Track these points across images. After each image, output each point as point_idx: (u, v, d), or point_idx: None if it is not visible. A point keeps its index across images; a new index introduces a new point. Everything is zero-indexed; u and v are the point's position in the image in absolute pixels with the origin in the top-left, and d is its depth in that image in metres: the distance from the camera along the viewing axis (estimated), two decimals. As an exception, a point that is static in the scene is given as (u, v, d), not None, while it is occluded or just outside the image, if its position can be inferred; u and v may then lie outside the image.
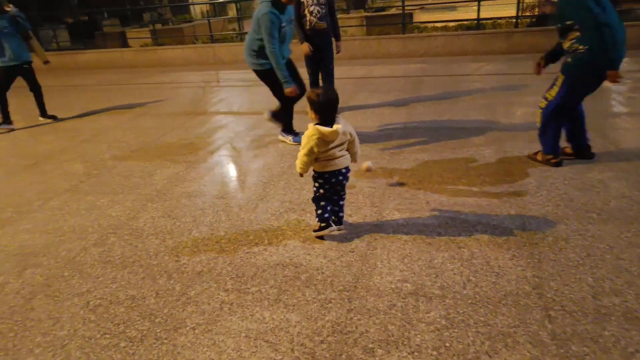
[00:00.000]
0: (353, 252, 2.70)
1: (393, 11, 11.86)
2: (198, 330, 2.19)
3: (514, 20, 9.05)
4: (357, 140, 2.71)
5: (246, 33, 11.36)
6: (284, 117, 4.55)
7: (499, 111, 5.10)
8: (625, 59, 3.17)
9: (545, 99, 3.48)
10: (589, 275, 2.34)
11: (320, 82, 5.23)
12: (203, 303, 2.37)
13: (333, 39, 5.15)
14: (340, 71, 6.49)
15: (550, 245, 2.62)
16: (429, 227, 2.89)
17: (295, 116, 4.59)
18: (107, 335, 2.20)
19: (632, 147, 3.86)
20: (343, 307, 2.25)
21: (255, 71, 4.31)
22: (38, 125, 6.24)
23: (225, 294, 2.43)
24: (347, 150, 2.69)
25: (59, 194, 3.89)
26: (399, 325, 2.11)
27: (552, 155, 3.58)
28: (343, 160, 2.66)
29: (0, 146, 5.46)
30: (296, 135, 4.57)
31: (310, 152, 2.57)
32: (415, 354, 1.95)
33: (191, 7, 19.25)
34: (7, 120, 6.11)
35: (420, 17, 12.08)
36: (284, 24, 4.00)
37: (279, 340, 2.08)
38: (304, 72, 4.71)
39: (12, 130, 6.08)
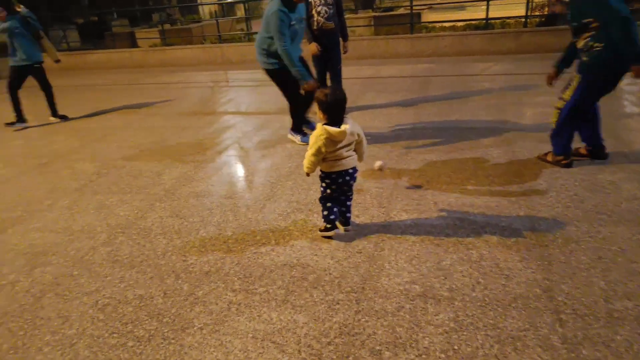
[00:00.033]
0: (361, 253, 2.69)
1: (401, 11, 11.82)
2: (205, 330, 2.19)
3: (523, 19, 8.97)
4: (364, 141, 2.70)
5: (254, 33, 11.33)
6: (294, 116, 4.55)
7: (508, 111, 5.06)
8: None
9: (562, 99, 3.42)
10: (601, 278, 2.31)
11: (328, 82, 5.22)
12: (211, 303, 2.37)
13: (340, 39, 5.14)
14: (348, 71, 6.47)
15: (561, 247, 2.59)
16: (437, 228, 2.87)
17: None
18: (115, 335, 2.21)
19: (644, 148, 3.81)
20: (351, 308, 2.24)
21: (265, 70, 4.31)
22: (49, 124, 6.30)
23: (232, 294, 2.43)
24: (355, 150, 2.69)
25: (69, 193, 3.91)
26: (407, 327, 2.10)
27: (563, 156, 3.54)
28: (350, 160, 2.65)
29: (13, 145, 5.51)
30: (304, 135, 4.57)
31: (317, 152, 2.57)
32: (423, 356, 1.93)
33: (200, 7, 19.33)
34: (21, 118, 6.22)
35: (428, 16, 12.03)
36: (293, 22, 3.98)
37: (286, 341, 2.07)
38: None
39: (26, 127, 6.19)
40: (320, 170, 2.72)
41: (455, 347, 1.96)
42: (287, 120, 4.67)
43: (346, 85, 5.36)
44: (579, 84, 3.30)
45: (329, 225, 2.83)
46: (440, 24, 9.89)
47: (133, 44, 12.44)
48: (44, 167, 4.62)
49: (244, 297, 2.40)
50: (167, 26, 14.37)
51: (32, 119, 6.37)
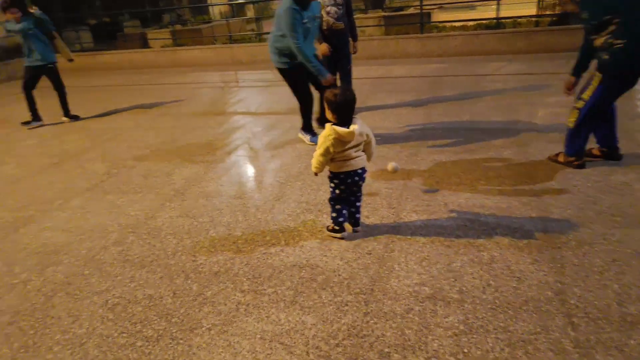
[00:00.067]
0: (370, 254, 2.67)
1: (411, 11, 11.73)
2: (214, 331, 2.19)
3: (535, 19, 8.87)
4: (373, 142, 2.69)
5: (265, 33, 11.38)
6: (304, 116, 4.54)
7: (520, 112, 5.01)
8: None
9: (582, 99, 3.34)
10: (615, 282, 2.27)
11: (338, 82, 5.20)
12: (219, 303, 2.37)
13: (350, 39, 5.13)
14: (358, 71, 6.45)
15: (574, 249, 2.55)
16: (448, 230, 2.85)
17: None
18: (124, 335, 2.22)
19: (659, 149, 3.75)
20: (359, 310, 2.23)
21: (278, 69, 4.31)
22: (61, 124, 6.37)
23: (241, 294, 2.43)
24: (363, 151, 2.67)
25: (80, 193, 3.95)
26: (416, 329, 2.08)
27: (575, 157, 3.49)
28: (359, 161, 2.64)
29: (27, 145, 5.58)
30: (314, 135, 4.56)
31: (326, 152, 2.56)
32: (433, 359, 1.91)
33: (210, 8, 19.41)
34: (36, 117, 6.38)
35: (438, 16, 11.95)
36: (305, 20, 3.97)
37: (294, 342, 2.07)
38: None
39: (42, 125, 6.34)
40: (329, 171, 2.71)
41: (465, 350, 1.94)
42: (297, 121, 4.67)
43: (356, 85, 5.35)
44: (599, 83, 3.22)
45: (337, 227, 2.83)
46: (450, 24, 9.82)
47: (144, 44, 12.53)
48: (56, 167, 4.66)
49: (253, 297, 2.40)
50: (178, 27, 14.45)
51: (45, 119, 6.45)
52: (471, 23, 9.55)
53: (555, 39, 7.95)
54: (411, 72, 7.67)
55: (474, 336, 2.01)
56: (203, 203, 3.53)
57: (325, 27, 4.87)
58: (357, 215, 2.88)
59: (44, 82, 6.28)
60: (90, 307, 2.45)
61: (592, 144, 3.59)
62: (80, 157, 4.89)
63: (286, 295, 2.39)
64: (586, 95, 3.32)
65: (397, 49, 9.02)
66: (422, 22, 9.21)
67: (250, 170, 4.15)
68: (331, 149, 2.54)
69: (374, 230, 2.91)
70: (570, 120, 3.45)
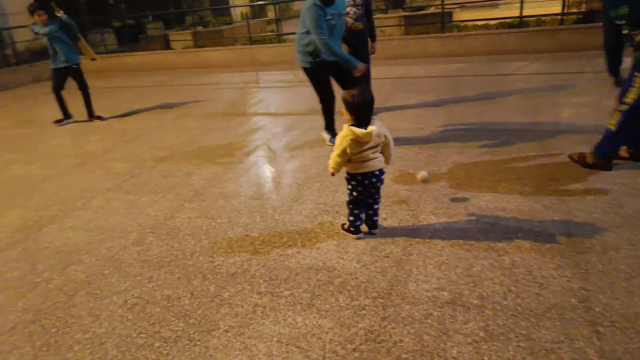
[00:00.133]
0: (388, 257, 2.64)
1: (432, 10, 11.60)
2: (231, 333, 2.19)
3: (559, 17, 8.67)
4: (392, 143, 2.66)
5: (285, 34, 11.38)
6: (326, 116, 4.52)
7: (543, 112, 4.89)
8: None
9: (625, 103, 3.20)
10: (642, 289, 2.19)
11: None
12: (236, 305, 2.38)
13: (369, 39, 5.09)
14: (377, 71, 6.41)
15: (599, 255, 2.47)
16: (468, 233, 2.79)
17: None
18: (142, 335, 2.24)
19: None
20: (377, 314, 2.20)
21: (302, 69, 4.32)
22: (85, 125, 6.50)
23: (258, 296, 2.43)
24: (382, 152, 2.64)
25: (102, 193, 4.02)
26: (435, 335, 2.04)
27: (605, 159, 3.38)
28: (376, 162, 2.61)
29: (54, 145, 5.71)
30: (334, 136, 4.54)
31: (343, 153, 2.55)
32: (452, 366, 1.88)
33: (231, 9, 19.58)
34: (67, 116, 6.65)
35: (460, 15, 11.77)
36: (329, 17, 3.95)
37: (311, 346, 2.05)
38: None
39: (74, 122, 6.63)
40: (346, 172, 2.70)
41: (485, 358, 1.89)
42: (317, 121, 4.67)
43: (376, 85, 5.31)
44: None
45: (352, 229, 2.83)
46: (472, 23, 9.67)
47: (167, 46, 12.72)
48: (80, 167, 4.76)
49: (270, 300, 2.39)
50: (199, 28, 14.61)
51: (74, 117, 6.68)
52: (494, 22, 9.38)
53: (580, 37, 7.75)
54: (431, 72, 7.58)
55: (495, 344, 1.96)
56: (222, 204, 3.55)
57: (344, 28, 4.84)
58: (375, 218, 2.85)
59: (70, 84, 6.43)
60: (109, 307, 2.48)
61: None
62: (103, 157, 4.98)
63: (303, 298, 2.38)
64: (629, 98, 3.18)
65: (417, 48, 8.93)
66: (443, 22, 9.10)
67: (268, 171, 4.16)
68: (348, 150, 2.52)
69: (392, 233, 2.88)
70: (611, 123, 3.31)
